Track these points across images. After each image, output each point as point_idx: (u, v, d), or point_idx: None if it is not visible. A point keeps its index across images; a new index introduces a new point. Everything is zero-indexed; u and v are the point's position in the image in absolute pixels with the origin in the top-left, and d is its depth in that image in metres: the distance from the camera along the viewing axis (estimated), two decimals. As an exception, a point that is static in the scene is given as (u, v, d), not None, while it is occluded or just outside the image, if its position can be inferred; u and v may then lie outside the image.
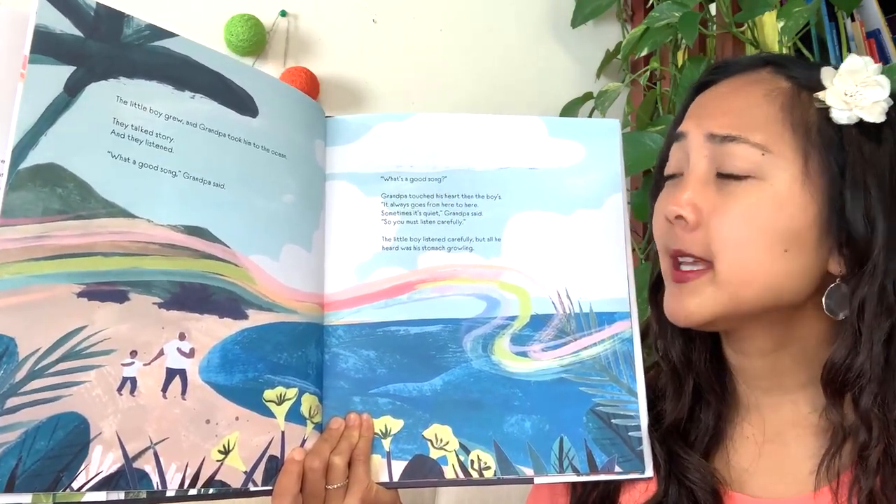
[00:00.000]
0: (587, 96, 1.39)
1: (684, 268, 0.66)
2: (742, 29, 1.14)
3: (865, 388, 0.61)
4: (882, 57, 1.20)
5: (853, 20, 1.20)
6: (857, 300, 0.62)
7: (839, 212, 0.62)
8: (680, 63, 1.27)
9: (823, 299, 0.64)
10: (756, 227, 0.62)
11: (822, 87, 0.64)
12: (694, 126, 0.67)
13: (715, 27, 1.17)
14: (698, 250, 0.64)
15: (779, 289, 0.63)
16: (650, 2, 1.36)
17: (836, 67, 0.65)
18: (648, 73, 1.32)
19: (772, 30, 1.11)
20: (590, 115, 1.37)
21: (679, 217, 0.65)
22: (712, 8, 1.19)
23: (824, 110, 0.64)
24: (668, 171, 0.70)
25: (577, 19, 1.45)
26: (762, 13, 1.06)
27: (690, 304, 0.64)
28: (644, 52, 1.17)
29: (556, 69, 1.49)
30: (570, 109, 1.39)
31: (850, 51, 1.16)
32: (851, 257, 0.62)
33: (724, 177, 0.64)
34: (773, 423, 0.68)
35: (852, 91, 0.63)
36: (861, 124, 0.63)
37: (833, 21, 1.19)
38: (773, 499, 0.65)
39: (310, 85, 1.26)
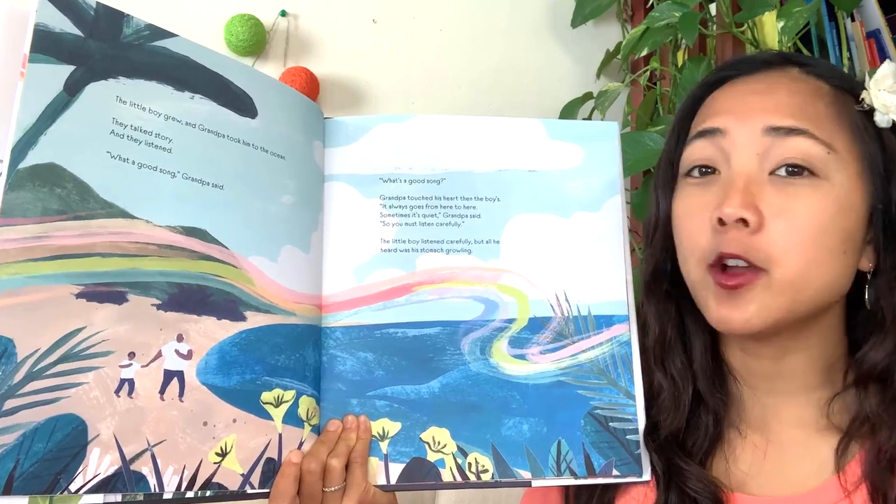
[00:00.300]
0: (587, 96, 1.39)
1: (729, 264, 0.63)
2: (742, 29, 1.14)
3: None
4: (882, 57, 1.20)
5: (853, 20, 1.20)
6: None
7: (885, 211, 0.63)
8: (680, 63, 1.27)
9: (866, 297, 0.64)
10: (823, 228, 0.61)
11: (857, 89, 0.65)
12: (736, 121, 0.64)
13: (715, 27, 1.17)
14: (757, 256, 0.61)
15: (833, 289, 0.63)
16: (650, 2, 1.36)
17: (839, 67, 0.66)
18: (648, 73, 1.32)
19: (772, 30, 1.11)
20: (590, 115, 1.37)
21: (739, 220, 0.61)
22: (712, 8, 1.18)
23: (865, 113, 0.64)
24: (694, 163, 0.66)
25: (577, 19, 1.45)
26: (762, 13, 1.05)
27: (749, 310, 0.61)
28: (644, 52, 1.17)
29: (556, 69, 1.49)
30: (570, 109, 1.38)
31: (849, 51, 1.16)
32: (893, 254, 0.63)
33: (781, 175, 0.62)
34: (774, 423, 0.68)
35: (885, 97, 0.64)
36: (894, 127, 0.64)
37: (833, 21, 1.19)
38: (777, 497, 0.64)
39: (310, 85, 1.25)
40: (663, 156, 0.73)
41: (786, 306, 0.62)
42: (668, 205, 0.70)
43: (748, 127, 0.63)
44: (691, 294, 0.67)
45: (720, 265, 0.63)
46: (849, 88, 0.65)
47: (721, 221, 0.62)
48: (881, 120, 0.64)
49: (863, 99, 0.64)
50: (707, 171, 0.66)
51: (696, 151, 0.66)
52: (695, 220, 0.65)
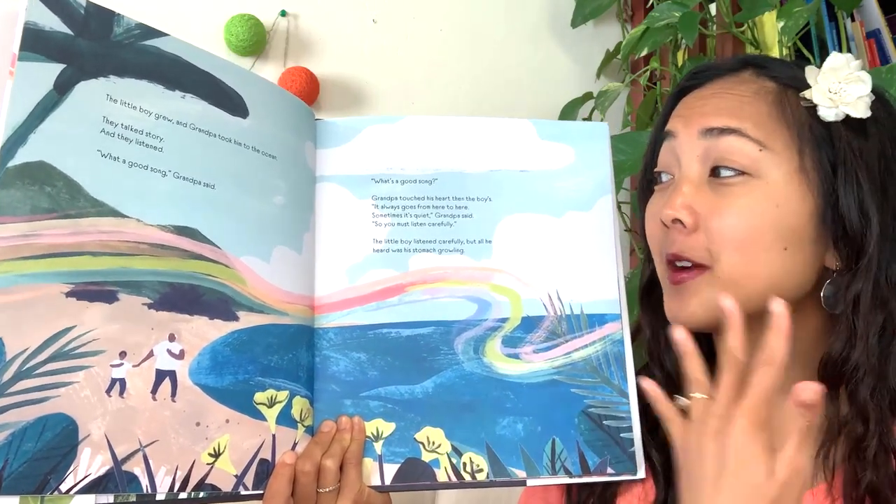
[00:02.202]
0: (587, 96, 1.39)
1: (676, 264, 0.66)
2: (742, 29, 1.15)
3: (862, 380, 0.61)
4: (882, 57, 1.21)
5: (853, 20, 1.21)
6: (853, 294, 0.62)
7: (833, 207, 0.63)
8: (680, 63, 1.27)
9: (822, 294, 0.64)
10: (755, 226, 0.62)
11: (807, 86, 0.65)
12: (683, 125, 0.67)
13: (715, 27, 1.18)
14: (696, 254, 0.64)
15: (779, 286, 0.63)
16: (650, 2, 1.37)
17: (819, 66, 0.66)
18: (648, 73, 1.32)
19: (772, 30, 1.11)
20: (590, 115, 1.37)
21: (675, 221, 0.64)
22: (712, 8, 1.19)
23: (811, 108, 0.64)
24: (657, 170, 0.70)
25: (577, 19, 1.45)
26: (762, 13, 1.06)
27: (691, 305, 0.64)
28: (644, 52, 1.17)
29: (556, 69, 1.49)
30: (569, 109, 1.39)
31: (850, 51, 1.17)
32: (847, 252, 0.63)
33: (719, 176, 0.64)
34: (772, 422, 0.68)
35: (836, 88, 0.64)
36: (847, 120, 0.64)
37: (833, 21, 1.19)
38: None
39: (310, 85, 1.25)
40: (642, 166, 0.75)
41: None
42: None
43: (689, 131, 0.67)
44: None
45: (672, 264, 0.67)
46: (798, 85, 0.66)
47: (663, 223, 0.66)
48: (826, 114, 0.64)
49: (803, 95, 0.65)
50: (669, 177, 0.69)
51: (660, 158, 0.70)
52: (652, 222, 0.69)
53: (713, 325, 0.65)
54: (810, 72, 0.65)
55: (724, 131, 0.64)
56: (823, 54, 1.19)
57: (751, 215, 0.62)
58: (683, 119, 0.68)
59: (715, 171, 0.65)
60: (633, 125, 1.36)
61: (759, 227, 0.62)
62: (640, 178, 0.76)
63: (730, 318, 0.55)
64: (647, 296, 0.74)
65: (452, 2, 1.45)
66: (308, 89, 1.25)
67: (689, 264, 0.65)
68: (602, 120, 1.30)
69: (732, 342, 0.55)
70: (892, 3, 1.25)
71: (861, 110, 0.63)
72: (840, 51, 1.15)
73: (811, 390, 0.52)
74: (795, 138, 0.64)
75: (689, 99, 0.70)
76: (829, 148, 0.64)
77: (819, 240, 0.64)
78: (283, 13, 1.31)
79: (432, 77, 1.42)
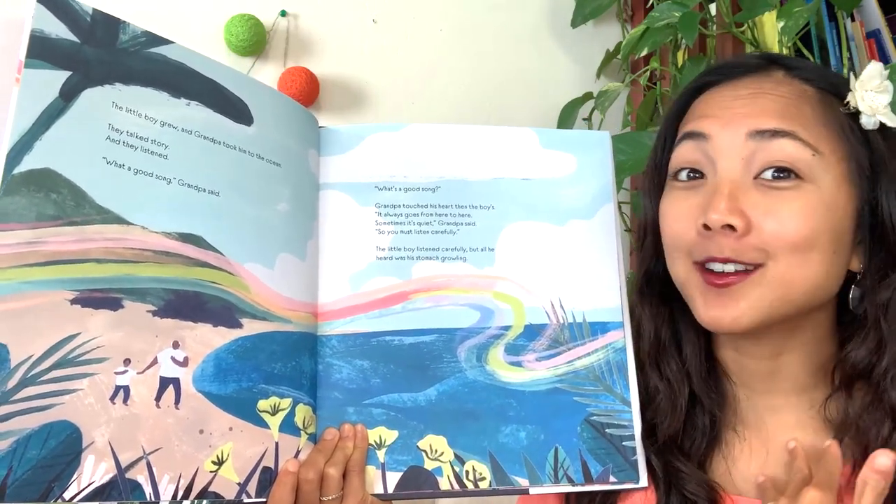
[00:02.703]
0: (587, 96, 1.39)
1: (716, 269, 0.63)
2: (742, 29, 1.14)
3: (892, 384, 0.62)
4: (882, 57, 1.20)
5: (853, 20, 1.20)
6: (884, 298, 0.63)
7: (872, 213, 0.64)
8: (680, 63, 1.27)
9: (850, 296, 0.65)
10: (814, 228, 0.61)
11: (842, 91, 0.65)
12: (721, 125, 0.64)
13: (715, 27, 1.17)
14: (749, 257, 0.62)
15: (822, 288, 0.63)
16: (650, 2, 1.37)
17: (835, 69, 0.66)
18: (648, 73, 1.32)
19: (772, 30, 1.11)
20: (590, 116, 1.37)
21: (726, 226, 0.62)
22: (712, 8, 1.19)
23: (851, 115, 0.65)
24: (681, 165, 0.67)
25: (577, 19, 1.45)
26: (762, 13, 1.05)
27: (737, 309, 0.62)
28: (644, 52, 1.17)
29: (556, 69, 1.49)
30: (569, 110, 1.38)
31: (849, 51, 1.16)
32: (883, 256, 0.64)
33: (766, 179, 0.62)
34: (771, 425, 0.68)
35: (870, 97, 0.64)
36: (881, 128, 0.64)
37: (833, 21, 1.19)
38: None
39: (310, 85, 1.25)
40: (650, 160, 0.74)
41: (776, 303, 0.62)
42: (655, 209, 0.71)
43: (732, 132, 0.64)
44: (682, 293, 0.68)
45: (704, 267, 0.64)
46: (834, 91, 0.66)
47: (706, 227, 0.62)
48: (867, 122, 0.64)
49: (848, 101, 0.65)
50: (694, 175, 0.66)
51: (682, 154, 0.67)
52: (681, 222, 0.66)
53: (759, 328, 0.63)
54: (853, 80, 0.65)
55: (776, 134, 0.62)
56: (823, 54, 1.19)
57: (809, 218, 0.61)
58: (720, 119, 0.65)
59: (762, 175, 0.63)
60: (633, 125, 1.36)
61: (818, 229, 0.61)
62: (648, 174, 0.74)
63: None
64: (644, 291, 0.72)
65: (452, 2, 1.45)
66: (308, 89, 1.25)
67: (733, 268, 0.62)
68: (602, 120, 1.30)
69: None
70: (892, 3, 1.25)
71: (892, 119, 0.64)
72: (840, 51, 1.16)
73: (888, 458, 0.52)
74: (843, 144, 0.64)
75: (716, 97, 0.67)
76: (868, 155, 0.64)
77: (852, 243, 0.65)
78: (283, 13, 1.31)
79: (432, 77, 1.42)
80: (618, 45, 1.43)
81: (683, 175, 0.67)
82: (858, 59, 1.17)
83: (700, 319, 0.65)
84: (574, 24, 1.46)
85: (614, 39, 1.50)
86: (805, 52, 1.17)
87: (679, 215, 0.66)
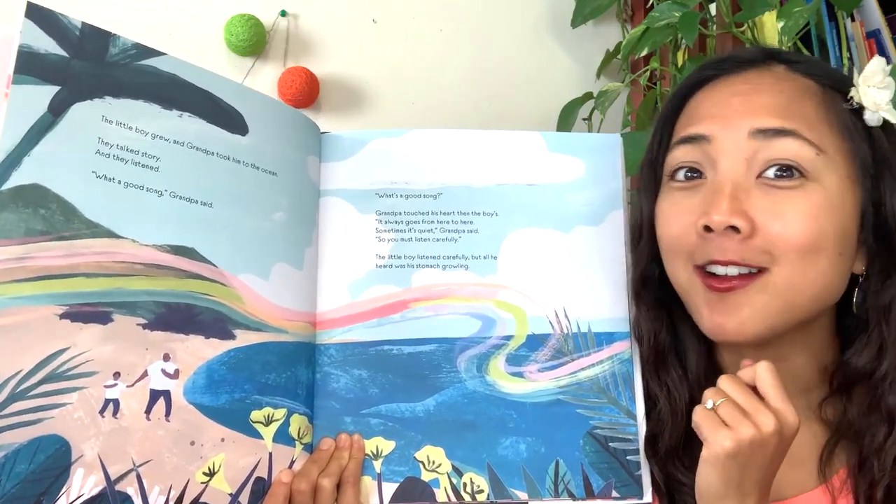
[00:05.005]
0: (587, 96, 1.38)
1: (718, 272, 0.61)
2: (742, 29, 1.13)
3: (891, 388, 0.60)
4: (882, 57, 1.19)
5: (853, 20, 1.19)
6: (885, 301, 0.61)
7: (875, 213, 0.61)
8: (680, 63, 1.26)
9: (854, 300, 0.63)
10: (820, 230, 0.59)
11: (846, 86, 0.63)
12: (721, 126, 0.62)
13: (715, 27, 1.16)
14: (755, 260, 0.60)
15: (828, 293, 0.62)
16: (650, 2, 1.35)
17: (836, 66, 0.64)
18: (648, 73, 1.31)
19: (772, 30, 1.09)
20: (590, 116, 1.35)
21: (730, 228, 0.60)
22: (712, 8, 1.17)
23: (854, 111, 0.62)
24: (679, 165, 0.65)
25: (577, 19, 1.44)
26: (762, 13, 1.04)
27: (741, 315, 0.60)
28: (644, 52, 1.16)
29: (556, 69, 1.48)
30: (569, 110, 1.37)
31: (849, 51, 1.14)
32: (887, 257, 0.62)
33: (769, 178, 0.60)
34: None
35: (874, 93, 0.62)
36: (884, 125, 0.62)
37: (833, 21, 1.18)
38: (779, 501, 0.63)
39: (310, 85, 1.25)
40: (645, 159, 0.71)
41: (782, 309, 0.60)
42: (651, 209, 0.68)
43: (733, 131, 0.62)
44: (682, 299, 0.66)
45: (704, 270, 0.62)
46: (837, 86, 0.63)
47: (708, 228, 0.60)
48: (871, 118, 0.62)
49: (851, 97, 0.62)
50: (693, 175, 0.64)
51: (680, 155, 0.65)
52: (680, 223, 0.64)
53: (764, 337, 0.61)
54: (856, 75, 0.63)
55: (779, 132, 0.60)
56: (823, 54, 1.18)
57: (815, 219, 0.59)
58: (719, 119, 0.63)
59: (765, 174, 0.60)
60: (633, 125, 1.34)
61: (824, 231, 0.59)
62: (643, 172, 0.71)
63: None
64: (640, 294, 0.70)
65: (452, 2, 1.44)
66: (308, 89, 1.24)
67: (735, 272, 0.61)
68: (602, 120, 1.28)
69: None
70: (892, 3, 1.23)
71: (894, 115, 0.62)
72: (840, 51, 1.13)
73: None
74: (846, 142, 0.62)
75: (714, 94, 0.65)
76: (871, 152, 0.62)
77: (857, 245, 0.62)
78: (283, 13, 1.31)
79: (432, 77, 1.41)
80: (618, 45, 1.41)
81: (681, 175, 0.65)
82: (858, 59, 1.15)
83: (703, 327, 0.63)
84: (574, 24, 1.45)
85: (614, 39, 1.48)
86: (805, 52, 1.15)
87: (678, 217, 0.64)
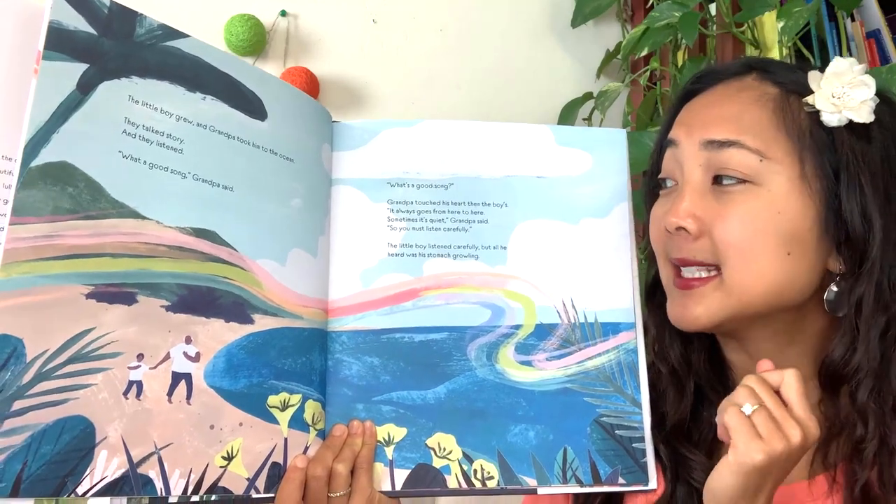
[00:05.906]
0: (587, 96, 1.40)
1: (687, 274, 0.68)
2: (742, 29, 1.14)
3: (862, 382, 0.63)
4: (882, 57, 1.21)
5: (853, 20, 1.21)
6: (856, 297, 0.64)
7: (836, 212, 0.64)
8: (680, 63, 1.27)
9: (824, 297, 0.66)
10: (758, 231, 0.64)
11: (810, 91, 0.65)
12: (685, 134, 0.68)
13: (715, 27, 1.17)
14: (705, 256, 0.66)
15: (783, 290, 0.65)
16: (650, 2, 1.37)
17: (821, 70, 0.66)
18: (648, 73, 1.32)
19: (772, 30, 1.11)
20: (589, 115, 1.37)
21: (680, 228, 0.66)
22: (712, 8, 1.19)
23: (814, 114, 0.65)
24: (660, 176, 0.72)
25: (577, 19, 1.45)
26: (762, 13, 1.06)
27: (696, 310, 0.66)
28: (644, 52, 1.18)
29: (556, 69, 1.49)
30: (570, 109, 1.38)
31: (850, 51, 1.17)
32: (850, 256, 0.64)
33: (721, 184, 0.66)
34: None
35: (839, 93, 0.64)
36: (851, 125, 0.64)
37: (833, 21, 1.20)
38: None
39: (310, 85, 1.25)
40: (648, 168, 0.77)
41: (734, 304, 0.65)
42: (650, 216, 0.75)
43: (692, 140, 0.68)
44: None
45: (678, 269, 0.68)
46: (801, 91, 0.66)
47: (667, 229, 0.67)
48: (829, 120, 0.64)
49: (806, 101, 0.65)
50: (673, 182, 0.70)
51: (663, 164, 0.71)
52: (656, 228, 0.71)
53: (714, 329, 0.67)
54: (813, 77, 0.65)
55: (723, 144, 0.65)
56: (823, 54, 1.20)
57: (753, 221, 0.64)
58: (686, 127, 0.69)
59: (717, 179, 0.66)
60: (633, 125, 1.36)
61: (762, 232, 0.64)
62: (646, 181, 0.77)
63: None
64: (651, 295, 0.76)
65: (452, 2, 1.45)
66: (308, 89, 1.25)
67: (698, 273, 0.67)
68: (602, 120, 1.30)
69: None
70: (892, 3, 1.25)
71: (864, 115, 0.64)
72: (840, 51, 1.16)
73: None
74: (796, 145, 0.65)
75: (692, 104, 0.71)
76: (831, 153, 0.64)
77: (822, 244, 0.65)
78: (283, 13, 1.31)
79: (432, 77, 1.42)
80: (618, 45, 1.44)
81: (667, 183, 0.72)
82: (858, 59, 1.17)
83: (668, 315, 0.70)
84: (574, 24, 1.46)
85: (614, 39, 1.50)
86: (805, 52, 1.17)
87: (656, 220, 0.71)
